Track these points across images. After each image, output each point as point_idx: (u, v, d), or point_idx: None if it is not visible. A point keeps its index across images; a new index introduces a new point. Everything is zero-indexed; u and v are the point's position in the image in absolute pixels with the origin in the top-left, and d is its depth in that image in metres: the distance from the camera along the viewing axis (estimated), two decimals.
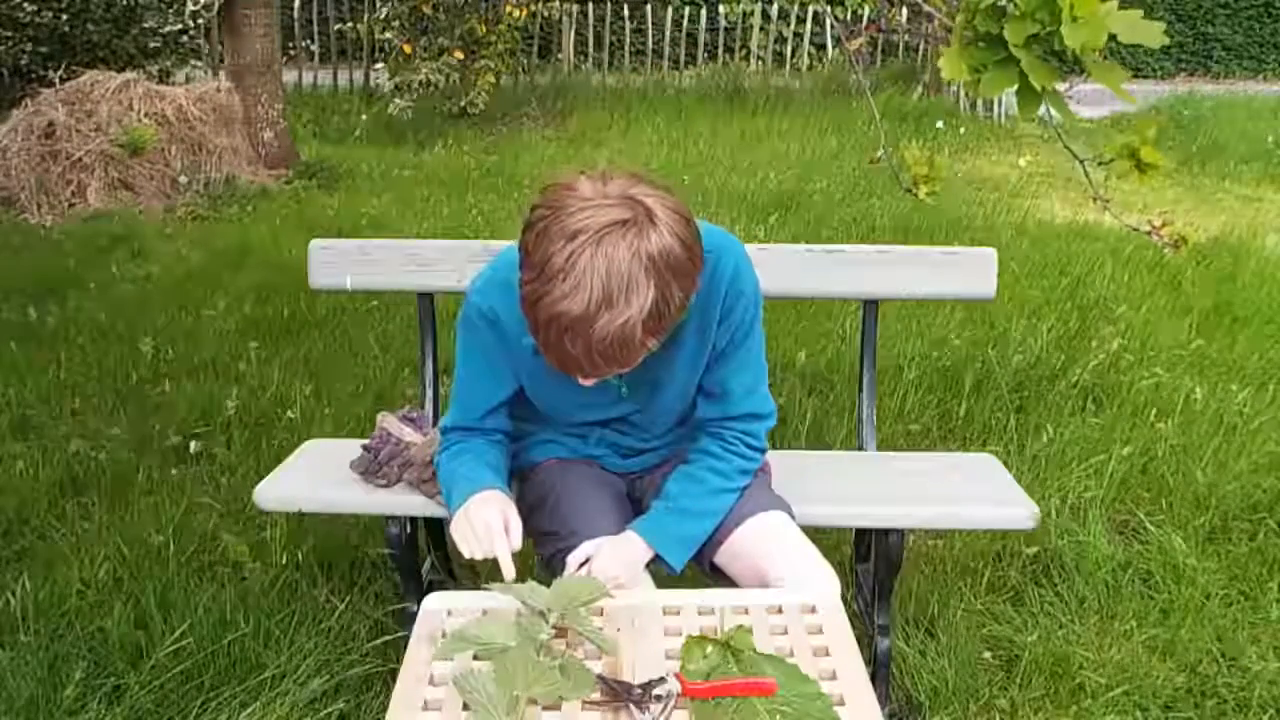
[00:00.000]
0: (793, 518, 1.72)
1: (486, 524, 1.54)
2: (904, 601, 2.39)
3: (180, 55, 8.91)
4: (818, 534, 1.73)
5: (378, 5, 9.43)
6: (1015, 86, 1.45)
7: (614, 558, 1.57)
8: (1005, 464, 2.25)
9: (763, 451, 1.73)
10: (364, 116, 9.20)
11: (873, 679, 1.43)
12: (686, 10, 12.08)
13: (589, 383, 1.47)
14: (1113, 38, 1.40)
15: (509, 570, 1.50)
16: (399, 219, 5.86)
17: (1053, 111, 1.53)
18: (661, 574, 1.66)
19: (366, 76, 11.10)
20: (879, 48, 11.91)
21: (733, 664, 1.25)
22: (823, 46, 11.96)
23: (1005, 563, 2.57)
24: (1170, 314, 4.30)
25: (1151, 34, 1.40)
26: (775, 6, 11.54)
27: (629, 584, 1.55)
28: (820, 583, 1.59)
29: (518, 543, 1.54)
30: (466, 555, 1.56)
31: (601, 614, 1.39)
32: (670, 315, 1.34)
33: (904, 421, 3.30)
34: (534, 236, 1.32)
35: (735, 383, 1.66)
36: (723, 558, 1.68)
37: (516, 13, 9.66)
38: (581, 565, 1.56)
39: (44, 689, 2.02)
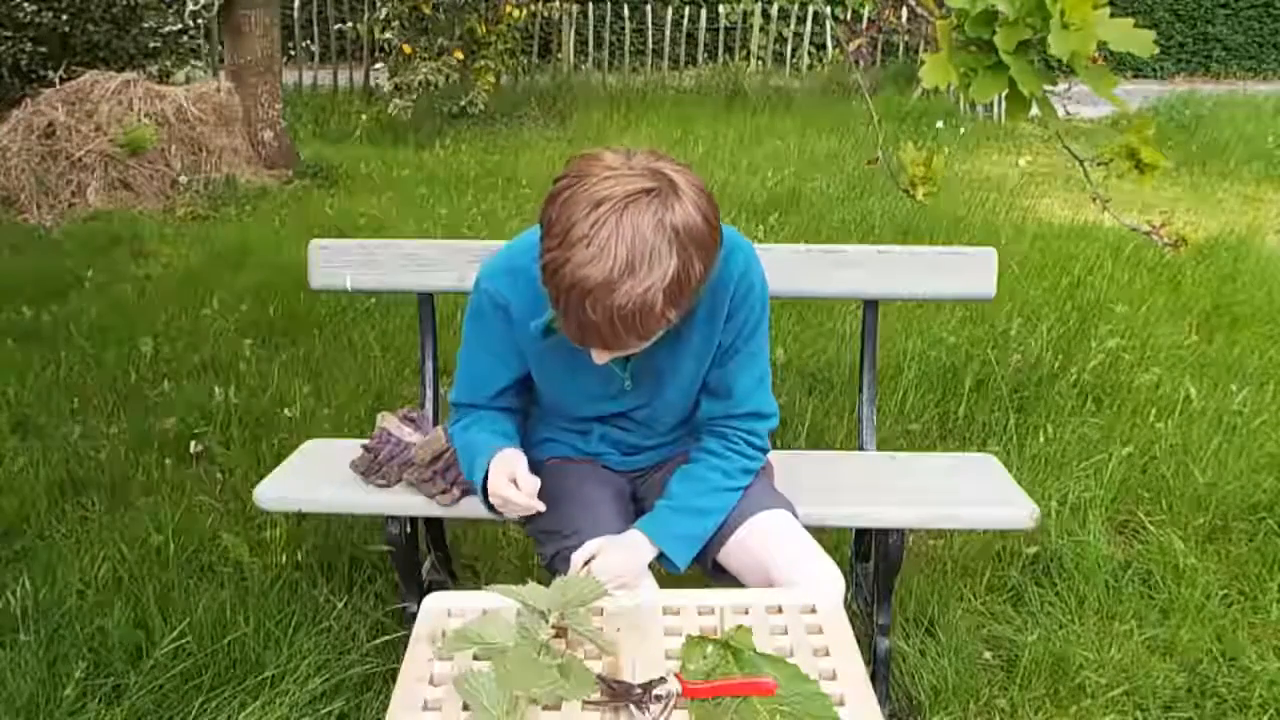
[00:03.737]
0: (796, 516, 1.72)
1: (503, 494, 1.58)
2: (904, 601, 2.39)
3: (180, 55, 8.92)
4: (818, 534, 1.73)
5: (378, 5, 9.42)
6: (1005, 91, 1.45)
7: (618, 557, 1.57)
8: (1005, 464, 2.25)
9: (765, 451, 1.73)
10: (364, 116, 9.20)
11: (873, 679, 1.43)
12: (686, 10, 12.09)
13: (602, 360, 1.47)
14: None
15: (540, 506, 1.58)
16: (399, 219, 5.86)
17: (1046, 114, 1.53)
18: (664, 573, 1.66)
19: (366, 76, 11.10)
20: (879, 48, 11.91)
21: (733, 664, 1.25)
22: (823, 46, 11.96)
23: (1005, 563, 2.57)
24: (1170, 314, 4.30)
25: (1141, 42, 1.40)
26: (775, 6, 11.54)
27: (632, 583, 1.56)
28: (826, 581, 1.58)
29: (528, 490, 1.58)
30: (512, 515, 1.66)
31: (601, 614, 1.39)
32: (690, 287, 1.34)
33: (904, 421, 3.31)
34: (558, 205, 1.32)
35: (739, 381, 1.66)
36: (726, 556, 1.68)
37: (516, 13, 9.66)
38: (585, 564, 1.56)
39: (44, 689, 2.02)
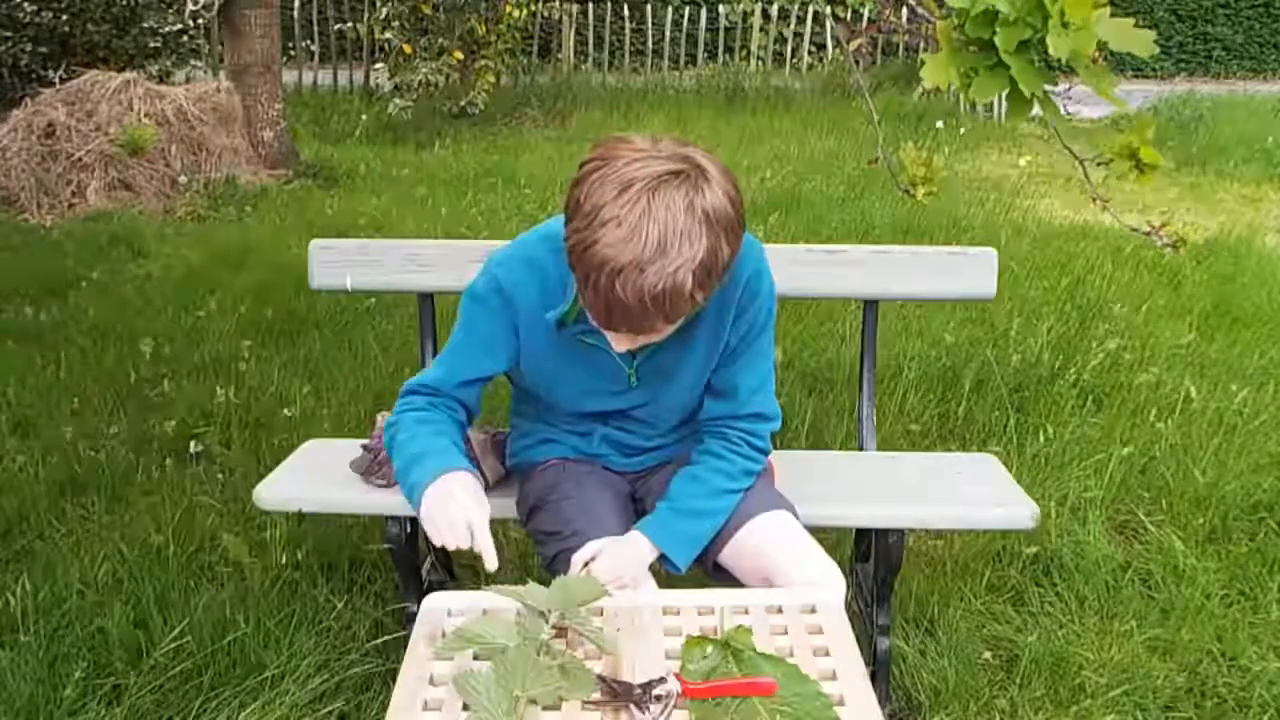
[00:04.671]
0: (797, 517, 1.72)
1: (452, 518, 1.48)
2: (904, 601, 2.39)
3: (180, 55, 8.91)
4: (818, 534, 1.73)
5: (378, 5, 9.43)
6: (1006, 91, 1.45)
7: (618, 557, 1.57)
8: (1005, 464, 2.25)
9: (766, 453, 1.73)
10: (364, 116, 9.20)
11: (873, 679, 1.43)
12: (686, 10, 12.09)
13: (621, 347, 1.48)
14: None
15: (490, 559, 1.44)
16: (399, 219, 5.86)
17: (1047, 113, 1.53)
18: (664, 573, 1.66)
19: (366, 76, 11.10)
20: (879, 48, 11.91)
21: (733, 664, 1.25)
22: (823, 46, 11.97)
23: (1005, 563, 2.57)
24: (1170, 314, 4.30)
25: (1141, 42, 1.40)
26: (775, 6, 11.54)
27: (633, 584, 1.55)
28: (826, 581, 1.59)
29: (481, 539, 1.46)
30: (437, 543, 1.48)
31: (601, 614, 1.39)
32: (718, 271, 1.35)
33: (904, 421, 3.30)
34: (586, 186, 1.33)
35: (744, 381, 1.67)
36: (727, 557, 1.68)
37: (516, 13, 9.67)
38: (585, 565, 1.56)
39: (44, 689, 2.02)
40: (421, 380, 1.68)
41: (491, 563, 1.44)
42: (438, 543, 1.49)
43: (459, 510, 1.48)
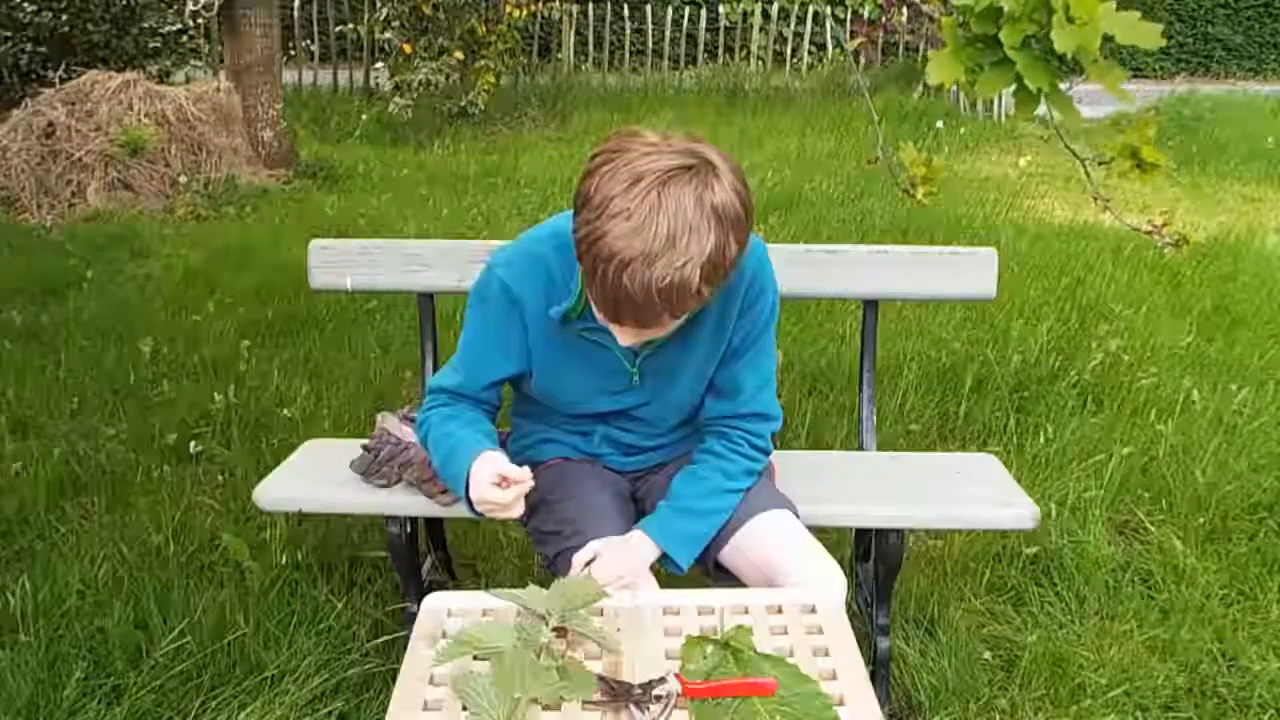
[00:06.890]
0: (797, 517, 1.72)
1: (488, 500, 1.52)
2: (904, 601, 2.39)
3: (180, 55, 8.92)
4: (818, 534, 1.73)
5: (378, 5, 9.43)
6: (1012, 87, 1.45)
7: (620, 557, 1.57)
8: (1005, 464, 2.25)
9: (767, 453, 1.73)
10: (364, 116, 9.20)
11: (873, 679, 1.43)
12: (686, 10, 12.09)
13: (626, 342, 1.48)
14: (1111, 38, 1.41)
15: (519, 508, 1.53)
16: (399, 219, 5.86)
17: (1053, 111, 1.53)
18: (664, 573, 1.66)
19: (366, 76, 11.10)
20: (879, 48, 11.91)
21: (733, 664, 1.25)
22: (823, 46, 11.97)
23: (1005, 563, 2.57)
24: (1170, 314, 4.30)
25: (1149, 35, 1.40)
26: (775, 6, 11.54)
27: (634, 584, 1.55)
28: (826, 581, 1.59)
29: (520, 481, 1.52)
30: (494, 515, 1.57)
31: (601, 614, 1.39)
32: (724, 267, 1.35)
33: (904, 421, 3.30)
34: (597, 178, 1.33)
35: (746, 380, 1.67)
36: (728, 556, 1.68)
37: (516, 13, 9.67)
38: (585, 565, 1.56)
39: (44, 689, 2.02)
40: (446, 383, 1.70)
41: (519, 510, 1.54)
42: (497, 516, 1.56)
43: (489, 488, 1.52)
